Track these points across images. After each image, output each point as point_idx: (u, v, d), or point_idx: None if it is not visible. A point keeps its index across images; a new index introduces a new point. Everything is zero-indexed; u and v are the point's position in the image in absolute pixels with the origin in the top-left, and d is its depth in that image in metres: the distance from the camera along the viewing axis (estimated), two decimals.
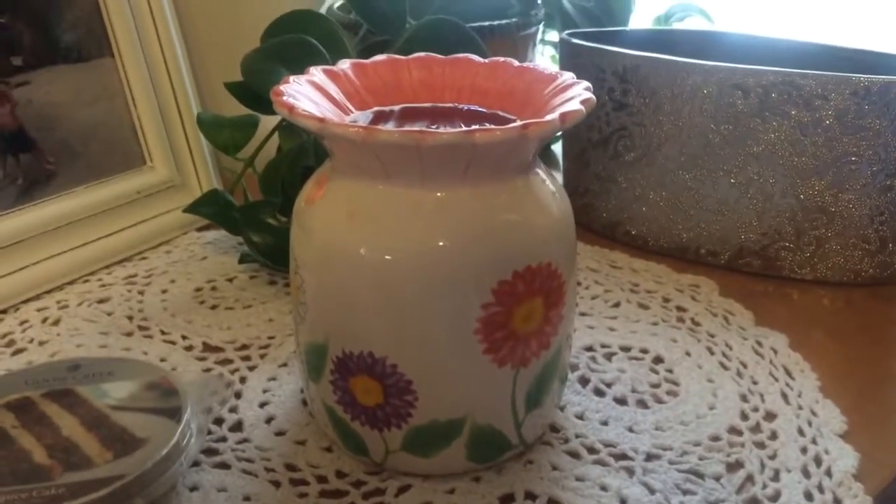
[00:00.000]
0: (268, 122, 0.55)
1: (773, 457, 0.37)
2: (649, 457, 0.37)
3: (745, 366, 0.44)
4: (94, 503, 0.31)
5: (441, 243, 0.32)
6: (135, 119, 0.56)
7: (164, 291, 0.52)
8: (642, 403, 0.41)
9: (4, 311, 0.49)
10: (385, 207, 0.32)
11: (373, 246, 0.32)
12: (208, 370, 0.43)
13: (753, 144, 0.52)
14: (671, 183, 0.56)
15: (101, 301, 0.50)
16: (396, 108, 0.39)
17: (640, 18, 0.86)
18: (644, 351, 0.46)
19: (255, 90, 0.48)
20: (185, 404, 0.35)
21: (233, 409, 0.40)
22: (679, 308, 0.51)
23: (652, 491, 0.35)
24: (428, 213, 0.32)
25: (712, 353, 0.46)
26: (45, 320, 0.48)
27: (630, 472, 0.36)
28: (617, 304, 0.51)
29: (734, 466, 0.37)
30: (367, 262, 0.32)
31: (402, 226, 0.32)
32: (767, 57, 0.57)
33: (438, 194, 0.32)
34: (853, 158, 0.50)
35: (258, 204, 0.49)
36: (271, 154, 0.54)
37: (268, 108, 0.52)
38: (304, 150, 0.50)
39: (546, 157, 0.73)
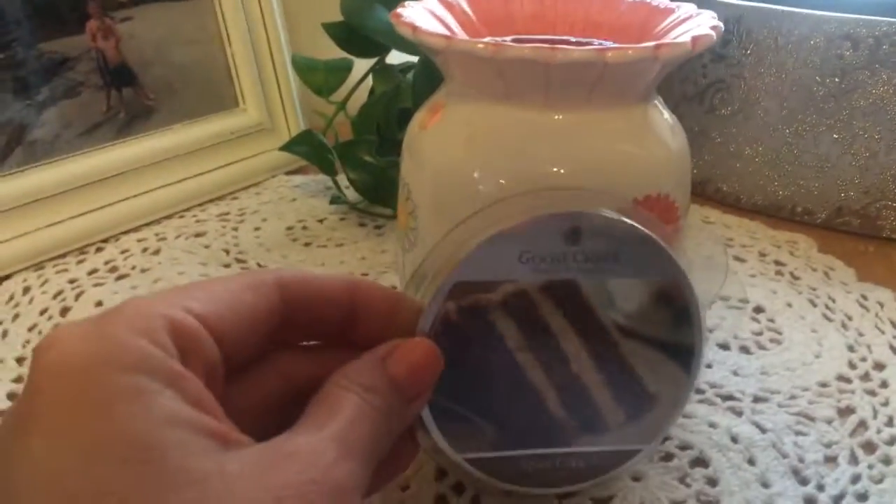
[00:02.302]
0: (359, 67, 0.55)
1: (885, 404, 0.36)
2: (757, 399, 0.37)
3: (850, 318, 0.43)
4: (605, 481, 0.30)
5: (555, 169, 0.31)
6: (230, 61, 0.57)
7: (256, 229, 0.52)
8: (745, 349, 0.41)
9: (106, 241, 0.50)
10: (504, 129, 0.32)
11: (488, 169, 0.32)
12: None
13: (860, 98, 0.50)
14: (769, 138, 0.54)
15: (197, 235, 0.51)
16: (509, 38, 0.39)
17: None
18: (743, 301, 0.45)
19: (356, 28, 0.48)
20: (700, 341, 0.29)
21: None
22: (777, 262, 0.49)
23: (763, 430, 0.34)
24: (547, 136, 0.32)
25: (814, 305, 0.44)
26: (145, 250, 0.49)
27: (738, 412, 0.36)
28: (710, 257, 0.50)
29: (845, 412, 0.36)
30: (480, 185, 0.32)
31: (518, 149, 0.32)
32: (876, 6, 0.55)
33: (558, 117, 0.32)
34: None
35: (355, 141, 0.50)
36: (362, 99, 0.55)
37: (363, 51, 0.52)
38: (401, 92, 0.50)
39: None
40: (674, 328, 0.28)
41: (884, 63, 0.49)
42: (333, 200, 0.54)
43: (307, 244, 0.50)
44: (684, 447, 0.34)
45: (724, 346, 0.41)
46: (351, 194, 0.54)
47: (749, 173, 0.56)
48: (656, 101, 0.34)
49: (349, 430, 0.22)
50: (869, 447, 0.34)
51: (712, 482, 0.32)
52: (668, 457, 0.33)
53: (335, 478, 0.20)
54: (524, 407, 0.28)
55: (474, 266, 0.26)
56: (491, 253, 0.26)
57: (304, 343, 0.27)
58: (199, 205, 0.55)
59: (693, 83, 0.57)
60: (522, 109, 0.32)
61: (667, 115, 0.35)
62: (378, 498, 0.28)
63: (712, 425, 0.35)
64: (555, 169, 0.31)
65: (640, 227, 0.27)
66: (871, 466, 0.33)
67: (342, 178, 0.53)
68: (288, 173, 0.61)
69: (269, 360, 0.25)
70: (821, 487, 0.32)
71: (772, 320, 0.43)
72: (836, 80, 0.51)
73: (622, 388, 0.29)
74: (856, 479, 0.32)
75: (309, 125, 0.62)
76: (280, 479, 0.19)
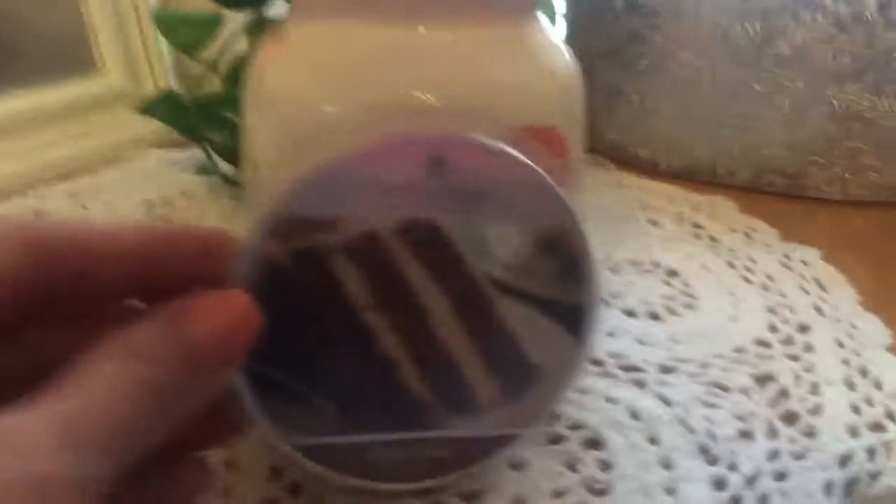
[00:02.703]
0: (232, 22, 0.49)
1: (809, 369, 0.32)
2: (664, 369, 0.31)
3: (771, 279, 0.38)
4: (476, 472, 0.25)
5: (421, 96, 0.26)
6: (85, 18, 0.50)
7: (109, 205, 0.46)
8: (654, 316, 0.36)
9: None
10: (356, 50, 0.26)
11: (340, 100, 0.26)
12: None
13: (783, 45, 0.46)
14: (687, 93, 0.50)
15: (36, 213, 0.44)
16: None
17: None
18: (655, 264, 0.40)
19: None
20: (592, 300, 0.23)
21: None
22: (695, 225, 0.45)
23: (669, 403, 0.29)
24: (410, 56, 0.26)
25: (733, 267, 0.40)
26: None
27: (641, 384, 0.30)
28: (624, 221, 0.45)
29: (764, 379, 0.31)
30: (332, 121, 0.26)
31: (376, 73, 0.26)
32: None
33: (422, 32, 0.26)
34: (895, 56, 0.44)
35: (217, 98, 0.43)
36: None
37: (232, 2, 0.46)
38: None
39: None
40: (561, 284, 0.23)
41: (807, 4, 0.44)
42: (201, 171, 0.48)
43: (164, 218, 0.44)
44: (576, 427, 0.28)
45: (631, 313, 0.36)
46: (225, 165, 0.48)
47: (667, 134, 0.52)
48: (538, 19, 0.29)
49: (84, 408, 0.16)
50: (790, 418, 0.29)
51: (606, 466, 0.27)
52: (556, 439, 0.28)
53: (43, 470, 0.14)
54: (374, 381, 0.22)
55: (309, 198, 0.20)
56: (331, 183, 0.20)
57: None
58: (48, 181, 0.48)
59: (606, 38, 0.53)
60: (379, 25, 0.26)
61: (551, 34, 0.29)
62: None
63: (611, 401, 0.29)
64: (420, 96, 0.26)
65: (521, 157, 0.22)
66: (792, 440, 0.28)
67: None
68: (160, 147, 0.54)
69: (29, 334, 0.19)
70: (733, 467, 0.26)
71: (686, 284, 0.38)
72: (757, 25, 0.46)
73: (498, 359, 0.23)
74: (774, 455, 0.27)
75: (184, 90, 0.56)
76: None
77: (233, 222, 0.43)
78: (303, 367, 0.22)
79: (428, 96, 0.26)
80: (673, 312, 0.36)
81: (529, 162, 0.21)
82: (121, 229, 0.20)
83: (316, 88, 0.26)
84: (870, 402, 0.29)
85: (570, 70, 0.29)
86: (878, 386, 0.30)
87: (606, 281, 0.38)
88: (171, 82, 0.54)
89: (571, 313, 0.23)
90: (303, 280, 0.21)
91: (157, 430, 0.17)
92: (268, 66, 0.28)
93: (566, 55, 0.29)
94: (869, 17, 0.43)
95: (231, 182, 0.47)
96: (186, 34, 0.47)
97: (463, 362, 0.23)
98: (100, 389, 0.16)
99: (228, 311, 0.19)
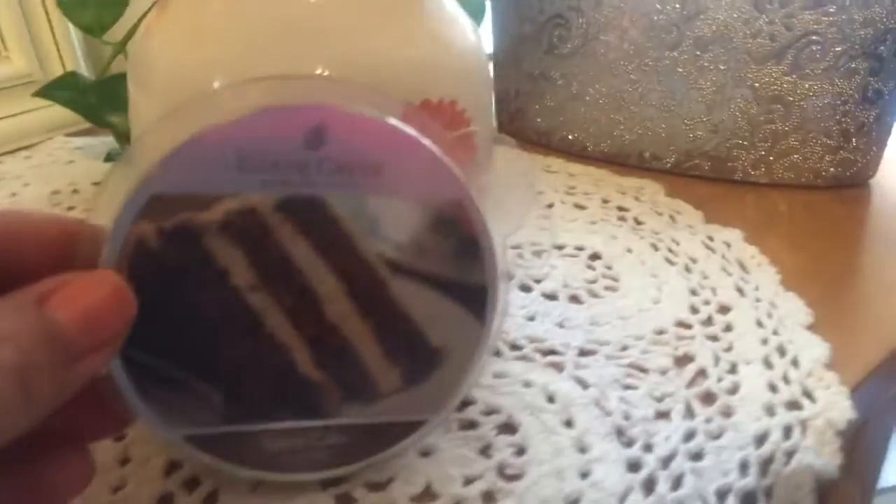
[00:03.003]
0: (142, 3, 0.47)
1: (728, 349, 0.31)
2: (582, 352, 0.31)
3: (694, 261, 0.38)
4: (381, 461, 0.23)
5: (310, 69, 0.25)
6: None
7: (13, 195, 0.43)
8: (575, 299, 0.35)
9: None
10: (240, 18, 0.25)
11: (222, 71, 0.25)
12: None
13: (703, 25, 0.46)
14: (612, 76, 0.49)
15: None
16: None
17: None
18: (579, 248, 0.39)
19: None
20: (493, 278, 0.22)
21: None
22: (620, 208, 0.44)
23: (585, 386, 0.28)
24: (301, 28, 0.25)
25: (657, 250, 0.39)
26: None
27: (559, 367, 0.30)
28: (550, 206, 0.44)
29: (683, 360, 0.30)
30: (210, 91, 0.25)
31: (262, 44, 0.25)
32: None
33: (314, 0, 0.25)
34: (814, 38, 0.44)
35: (118, 77, 0.41)
36: None
37: None
38: None
39: None
40: (460, 264, 0.22)
41: None
42: (110, 157, 0.45)
43: (70, 208, 0.42)
44: (490, 412, 0.27)
45: (552, 297, 0.35)
46: None
47: (594, 118, 0.51)
48: None
49: None
50: (708, 398, 0.28)
51: (520, 451, 0.26)
52: (469, 425, 0.27)
53: None
54: (263, 366, 0.21)
55: (178, 173, 0.19)
56: (201, 156, 0.19)
57: None
58: None
59: (531, 20, 0.52)
60: None
61: (452, 7, 0.28)
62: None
63: (527, 384, 0.29)
64: (309, 69, 0.25)
65: (407, 128, 0.20)
66: (708, 420, 0.27)
67: None
68: (70, 135, 0.52)
69: None
70: (648, 447, 0.26)
71: (609, 267, 0.38)
72: (678, 6, 0.46)
73: (396, 342, 0.22)
74: (690, 435, 0.26)
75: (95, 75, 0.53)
76: None
77: None
78: (186, 354, 0.20)
79: (319, 70, 0.25)
80: (594, 295, 0.35)
81: (417, 135, 0.20)
82: None
83: (198, 59, 0.25)
84: (787, 381, 0.29)
85: (470, 43, 0.28)
86: (795, 364, 0.30)
87: (527, 265, 0.37)
88: (81, 66, 0.52)
89: (472, 294, 0.22)
90: (178, 262, 0.19)
91: (18, 416, 0.16)
92: (150, 34, 0.26)
93: (467, 28, 0.28)
94: None
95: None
96: (90, 15, 0.45)
97: (358, 346, 0.22)
98: None
99: (97, 292, 0.18)
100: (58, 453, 0.20)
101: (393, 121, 0.20)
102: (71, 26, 0.51)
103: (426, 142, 0.21)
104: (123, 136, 0.42)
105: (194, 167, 0.19)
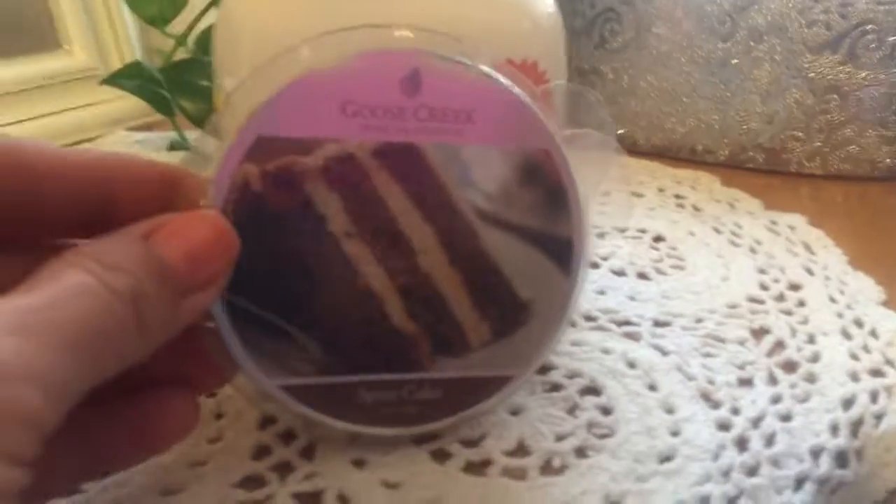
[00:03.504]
0: None
1: (804, 322, 0.31)
2: (657, 323, 0.31)
3: (759, 243, 0.38)
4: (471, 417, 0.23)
5: (397, 33, 0.25)
6: None
7: None
8: (643, 276, 0.35)
9: None
10: None
11: (319, 29, 0.25)
12: None
13: (757, 15, 0.46)
14: (664, 69, 0.50)
15: None
16: None
17: None
18: (642, 231, 0.39)
19: None
20: (579, 230, 0.22)
21: None
22: (677, 196, 0.44)
23: (665, 353, 0.28)
24: None
25: (719, 233, 0.39)
26: None
27: (636, 337, 0.30)
28: (606, 193, 0.44)
29: (759, 332, 0.30)
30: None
31: (349, 7, 0.25)
32: None
33: None
34: (870, 27, 0.44)
35: (186, 63, 0.42)
36: None
37: None
38: None
39: None
40: (547, 214, 0.22)
41: None
42: (173, 147, 0.46)
43: None
44: (572, 376, 0.27)
45: (620, 273, 0.35)
46: (196, 139, 0.46)
47: (645, 111, 0.51)
48: None
49: (42, 302, 0.14)
50: (789, 366, 0.28)
51: (606, 411, 0.26)
52: (553, 387, 0.27)
53: None
54: (357, 315, 0.21)
55: (282, 116, 0.19)
56: (305, 100, 0.19)
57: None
58: None
59: (581, 15, 0.52)
60: None
61: None
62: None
63: (606, 351, 0.29)
64: (402, 31, 0.25)
65: (498, 76, 0.21)
66: (793, 385, 0.27)
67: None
68: (130, 129, 0.52)
69: None
70: (735, 410, 0.26)
71: (673, 248, 0.38)
72: None
73: (486, 294, 0.22)
74: (776, 399, 0.26)
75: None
76: None
77: None
78: (285, 302, 0.20)
79: (405, 32, 0.25)
80: (662, 273, 0.35)
81: (508, 83, 0.21)
82: (80, 154, 0.19)
83: (286, 22, 0.25)
84: (867, 350, 0.29)
85: (547, 9, 0.28)
86: (874, 335, 0.30)
87: (593, 244, 0.37)
88: (137, 58, 0.53)
89: (560, 246, 0.22)
90: (280, 206, 0.20)
91: (132, 343, 0.16)
92: (235, 1, 0.27)
93: None
94: None
95: (202, 157, 0.46)
96: (155, 7, 0.46)
97: (450, 297, 0.22)
98: (62, 289, 0.15)
99: (200, 231, 0.18)
100: (165, 398, 0.20)
101: (484, 68, 0.21)
102: (129, 20, 0.52)
103: (517, 90, 0.21)
104: (193, 119, 0.42)
105: (298, 111, 0.19)
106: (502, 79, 0.21)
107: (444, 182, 0.21)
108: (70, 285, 0.15)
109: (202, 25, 0.46)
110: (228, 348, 0.20)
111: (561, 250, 0.22)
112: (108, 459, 0.20)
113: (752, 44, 0.46)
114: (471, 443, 0.24)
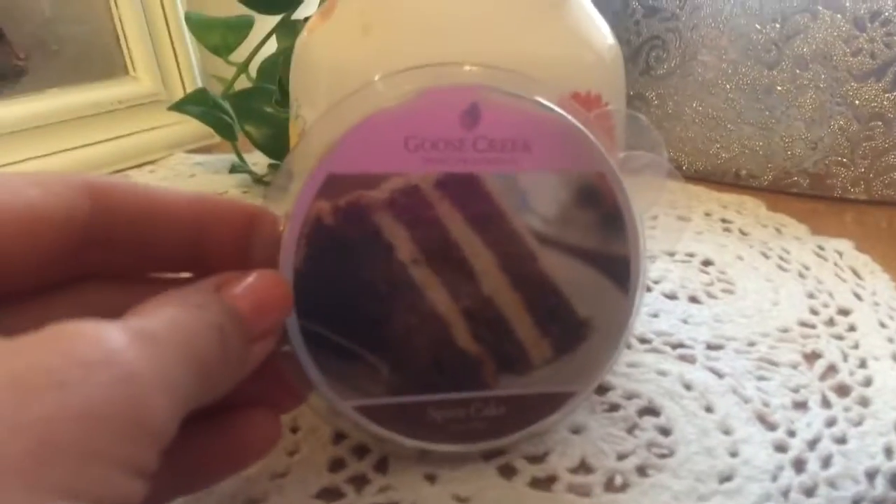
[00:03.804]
0: (264, 26, 0.50)
1: (855, 346, 0.32)
2: (710, 346, 0.32)
3: (807, 268, 0.39)
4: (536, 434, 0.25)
5: (466, 67, 0.26)
6: (116, 22, 0.51)
7: None
8: (695, 299, 0.36)
9: None
10: (405, 17, 0.27)
11: (387, 66, 0.27)
12: None
13: (803, 45, 0.47)
14: (709, 95, 0.51)
15: None
16: None
17: None
18: (690, 255, 0.40)
19: None
20: (635, 248, 0.23)
21: None
22: (724, 220, 0.45)
23: (720, 376, 0.29)
24: (456, 24, 0.27)
25: (767, 258, 0.40)
26: None
27: (690, 359, 0.31)
28: (654, 217, 0.46)
29: (811, 356, 0.31)
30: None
31: (425, 40, 0.27)
32: None
33: (465, 0, 0.27)
34: None
35: (252, 91, 0.44)
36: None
37: (267, 5, 0.47)
38: None
39: None
40: (604, 236, 0.23)
41: (826, 4, 0.45)
42: (234, 170, 0.48)
43: None
44: (630, 397, 0.28)
45: (672, 296, 0.36)
46: (256, 159, 0.48)
47: (689, 137, 0.52)
48: None
49: (160, 326, 0.16)
50: (842, 390, 0.29)
51: (665, 431, 0.27)
52: (612, 407, 0.28)
53: (125, 360, 0.14)
54: (425, 338, 0.22)
55: (350, 155, 0.21)
56: (370, 138, 0.21)
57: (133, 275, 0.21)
58: None
59: (626, 42, 0.54)
60: None
61: (591, 10, 0.30)
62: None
63: (662, 373, 0.30)
64: (466, 67, 0.26)
65: (552, 105, 0.22)
66: (847, 409, 0.28)
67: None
68: (190, 151, 0.55)
69: (73, 290, 0.20)
70: (792, 433, 0.26)
71: (722, 272, 0.38)
72: (777, 25, 0.47)
73: (546, 314, 0.23)
74: (831, 422, 0.27)
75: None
76: (25, 360, 0.13)
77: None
78: (357, 326, 0.22)
79: (472, 68, 0.26)
80: (712, 297, 0.36)
81: (563, 111, 0.22)
82: (176, 195, 0.20)
83: (364, 54, 0.27)
84: None
85: (608, 42, 0.30)
86: None
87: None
88: (199, 86, 0.55)
89: (617, 265, 0.23)
90: (350, 238, 0.21)
91: (221, 374, 0.18)
92: (313, 36, 0.29)
93: (607, 31, 0.30)
94: (888, 15, 0.44)
95: (262, 181, 0.47)
96: (218, 36, 0.48)
97: (512, 317, 0.23)
98: (170, 317, 0.16)
99: (262, 287, 0.19)
100: (250, 418, 0.21)
101: (538, 99, 0.22)
102: (192, 49, 0.54)
103: (570, 118, 0.22)
104: (258, 145, 0.44)
105: (365, 148, 0.21)
106: (556, 108, 0.22)
107: (504, 209, 0.22)
108: (171, 315, 0.17)
109: (263, 54, 0.48)
110: (304, 371, 0.21)
111: (618, 269, 0.23)
112: (198, 476, 0.21)
113: (797, 71, 0.47)
114: (536, 459, 0.25)
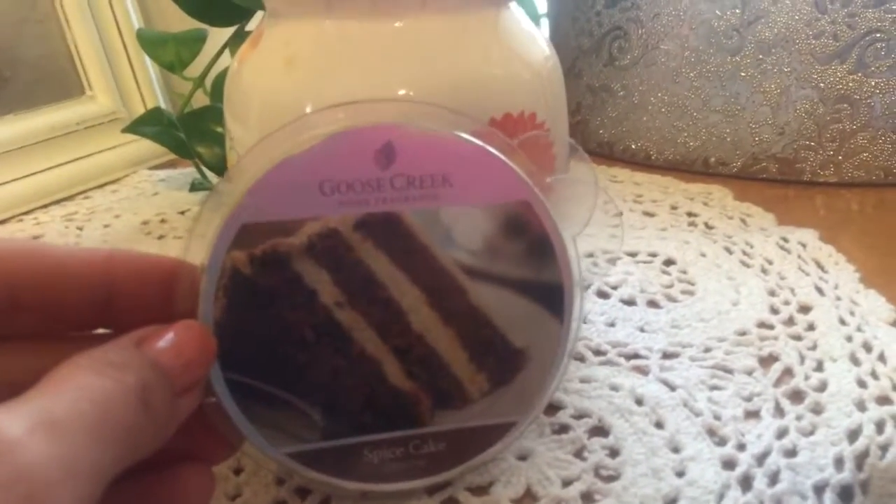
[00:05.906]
0: (219, 38, 0.49)
1: (812, 347, 0.31)
2: (666, 355, 0.31)
3: (770, 262, 0.38)
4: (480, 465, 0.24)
5: (398, 90, 0.26)
6: (70, 43, 0.50)
7: (106, 226, 0.46)
8: (654, 304, 0.35)
9: None
10: (330, 47, 0.26)
11: (314, 95, 0.26)
12: None
13: (764, 29, 0.46)
14: (674, 84, 0.50)
15: (34, 238, 0.44)
16: None
17: None
18: (652, 255, 0.40)
19: None
20: (570, 276, 0.23)
21: None
22: (689, 214, 0.45)
23: (672, 388, 0.29)
24: (382, 50, 0.26)
25: (731, 253, 0.40)
26: None
27: (644, 370, 0.30)
28: (618, 214, 0.45)
29: (768, 360, 0.31)
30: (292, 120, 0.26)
31: (351, 70, 0.26)
32: None
33: (396, 24, 0.26)
34: (878, 35, 0.44)
35: (203, 111, 0.43)
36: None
37: (216, 19, 0.46)
38: None
39: None
40: (533, 263, 0.23)
41: None
42: (194, 187, 0.48)
43: (161, 237, 0.44)
44: (581, 416, 0.28)
45: (630, 302, 0.35)
46: (217, 179, 0.47)
47: (657, 126, 0.52)
48: (512, 9, 0.29)
49: (64, 405, 0.16)
50: (796, 396, 0.29)
51: (614, 452, 0.26)
52: (561, 429, 0.27)
53: (21, 454, 0.14)
54: (355, 379, 0.22)
55: (263, 202, 0.20)
56: (282, 184, 0.20)
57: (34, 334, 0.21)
58: (43, 207, 0.48)
59: (588, 34, 0.53)
60: (352, 21, 0.26)
61: (526, 23, 0.29)
62: None
63: (614, 388, 0.29)
64: (397, 90, 0.26)
65: (470, 138, 0.22)
66: (799, 417, 0.27)
67: None
68: (153, 168, 0.54)
69: None
70: (741, 446, 0.26)
71: (684, 272, 0.38)
72: (738, 10, 0.46)
73: (481, 347, 0.23)
74: (782, 433, 0.27)
75: (173, 111, 0.56)
76: None
77: None
78: (284, 374, 0.21)
79: (405, 91, 0.26)
80: (672, 299, 0.36)
81: (482, 143, 0.21)
82: (86, 254, 0.20)
83: (291, 85, 0.27)
84: (875, 376, 0.29)
85: (544, 54, 0.29)
86: (882, 360, 0.30)
87: (602, 272, 0.38)
88: (160, 102, 0.54)
89: (549, 292, 0.23)
90: (269, 285, 0.21)
91: (146, 435, 0.17)
92: (242, 67, 0.28)
93: (542, 43, 0.29)
94: None
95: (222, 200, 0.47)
96: (171, 52, 0.47)
97: (445, 353, 0.23)
98: (77, 388, 0.16)
99: (190, 340, 0.19)
100: (182, 473, 0.21)
101: (456, 132, 0.21)
102: (150, 65, 0.54)
103: (490, 148, 0.22)
104: (210, 165, 0.44)
105: (277, 195, 0.20)
106: (475, 140, 0.22)
107: (428, 244, 0.22)
108: (86, 384, 0.16)
109: (218, 67, 0.48)
110: (232, 421, 0.21)
111: (551, 296, 0.23)
112: None
113: (760, 57, 0.46)
114: (480, 490, 0.25)
